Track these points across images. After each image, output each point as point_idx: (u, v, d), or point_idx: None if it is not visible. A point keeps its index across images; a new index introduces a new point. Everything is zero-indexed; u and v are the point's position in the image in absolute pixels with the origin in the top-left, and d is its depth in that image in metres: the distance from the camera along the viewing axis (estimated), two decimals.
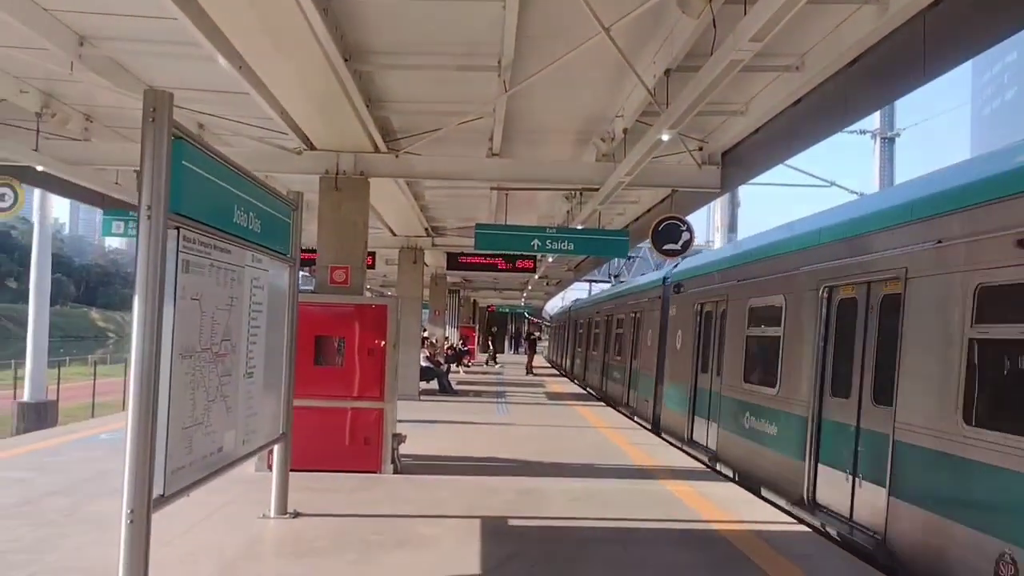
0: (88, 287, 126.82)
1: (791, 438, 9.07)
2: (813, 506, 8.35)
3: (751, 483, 10.00)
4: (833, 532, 7.77)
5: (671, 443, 13.55)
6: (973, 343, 5.99)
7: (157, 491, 4.43)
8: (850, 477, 7.65)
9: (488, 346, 41.74)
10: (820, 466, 8.35)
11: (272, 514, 7.27)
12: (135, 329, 4.29)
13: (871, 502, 7.15)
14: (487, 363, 38.33)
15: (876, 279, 7.60)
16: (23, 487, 8.24)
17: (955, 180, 6.74)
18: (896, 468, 6.72)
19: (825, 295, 8.59)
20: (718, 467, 11.48)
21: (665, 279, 16.67)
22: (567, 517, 7.87)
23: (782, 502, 8.99)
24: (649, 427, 15.92)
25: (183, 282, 4.70)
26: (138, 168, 12.62)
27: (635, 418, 17.66)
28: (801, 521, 8.17)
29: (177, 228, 4.59)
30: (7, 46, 8.21)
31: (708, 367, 12.58)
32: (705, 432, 12.33)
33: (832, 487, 8.03)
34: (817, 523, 8.12)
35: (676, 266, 15.85)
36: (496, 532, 7.15)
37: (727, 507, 8.41)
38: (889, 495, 6.77)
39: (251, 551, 6.33)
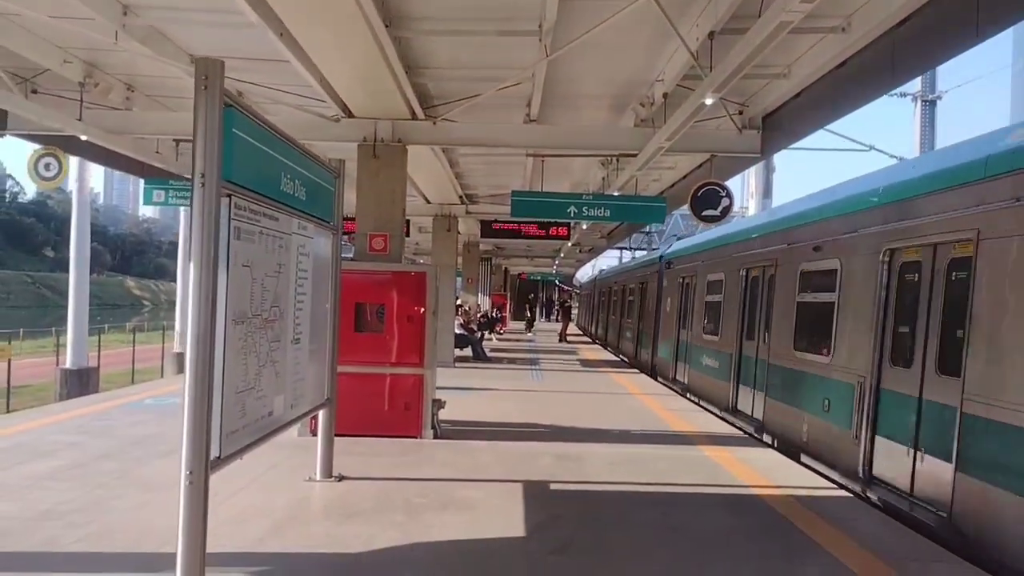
0: (123, 256, 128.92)
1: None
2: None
3: (792, 450, 9.83)
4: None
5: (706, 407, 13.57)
6: None
7: (213, 453, 4.52)
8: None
9: (525, 314, 41.94)
10: (878, 439, 7.97)
11: (318, 477, 7.41)
12: (191, 295, 4.36)
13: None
14: (526, 331, 38.48)
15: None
16: (74, 451, 8.45)
17: None
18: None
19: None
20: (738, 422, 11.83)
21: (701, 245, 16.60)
22: (607, 482, 7.91)
23: (833, 474, 8.70)
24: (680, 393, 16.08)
25: (235, 249, 4.76)
26: (177, 137, 12.82)
27: (659, 379, 18.27)
28: (844, 488, 8.15)
29: (229, 196, 4.63)
30: (54, 16, 8.30)
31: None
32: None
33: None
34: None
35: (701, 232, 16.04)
36: (537, 495, 7.24)
37: (766, 472, 8.42)
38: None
39: (299, 513, 6.46)
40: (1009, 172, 6.25)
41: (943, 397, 6.81)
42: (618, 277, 31.51)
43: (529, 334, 36.96)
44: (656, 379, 18.47)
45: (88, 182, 25.31)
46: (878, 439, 7.90)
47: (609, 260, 53.55)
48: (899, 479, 7.36)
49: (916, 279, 7.59)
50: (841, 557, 5.69)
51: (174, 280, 46.35)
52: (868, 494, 7.97)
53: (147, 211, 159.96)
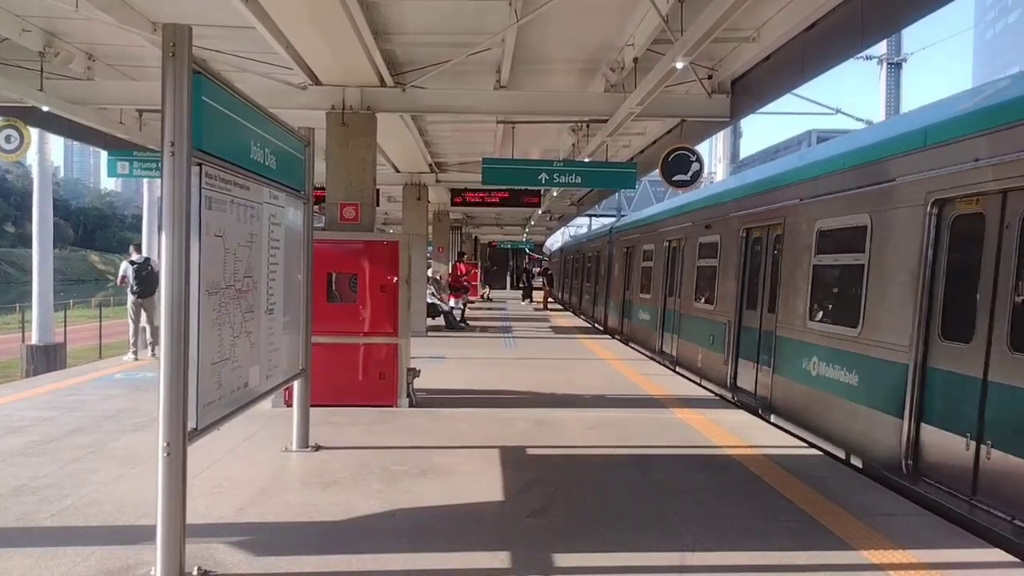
0: (86, 230, 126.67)
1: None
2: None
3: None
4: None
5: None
6: None
7: (190, 424, 4.50)
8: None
9: (518, 283, 42.06)
10: (924, 427, 6.82)
11: (294, 447, 7.42)
12: (163, 266, 4.31)
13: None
14: (522, 300, 38.61)
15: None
16: (46, 426, 8.37)
17: None
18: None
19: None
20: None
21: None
22: (583, 445, 8.00)
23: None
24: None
25: (207, 219, 4.70)
26: (141, 107, 12.56)
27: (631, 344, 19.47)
28: (814, 446, 8.31)
29: (199, 165, 4.57)
30: None
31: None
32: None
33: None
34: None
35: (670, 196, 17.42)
36: (515, 460, 7.30)
37: (738, 432, 8.56)
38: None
39: (278, 483, 6.46)
40: None
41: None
42: (580, 247, 34.66)
43: (524, 303, 36.96)
44: (607, 333, 22.62)
45: (49, 155, 24.73)
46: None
47: (578, 228, 53.78)
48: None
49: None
50: (813, 513, 5.82)
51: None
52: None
53: (109, 184, 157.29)
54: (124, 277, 14.15)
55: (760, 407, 10.20)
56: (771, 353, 9.93)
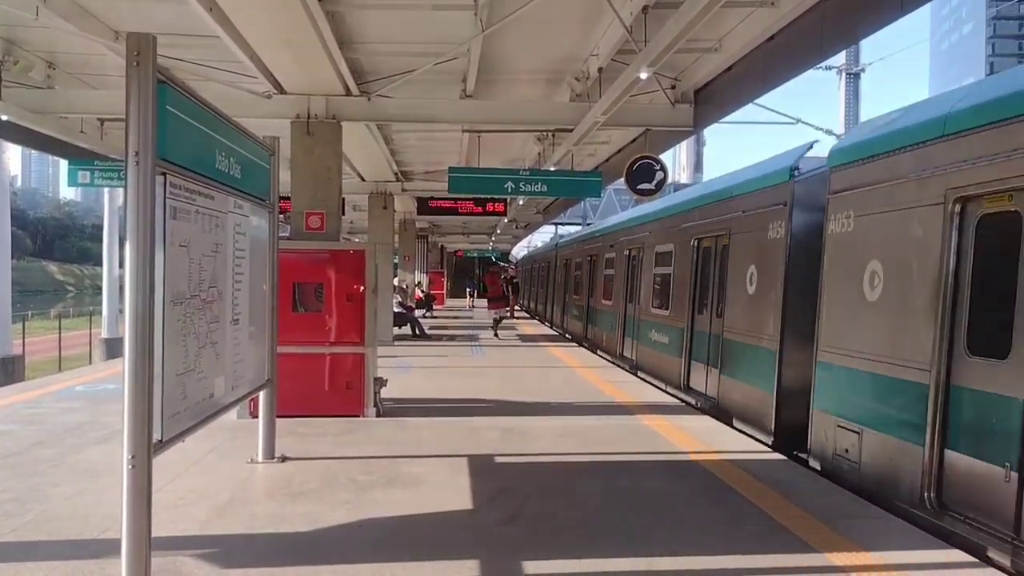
0: (44, 240, 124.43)
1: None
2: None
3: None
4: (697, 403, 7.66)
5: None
6: None
7: (155, 436, 4.45)
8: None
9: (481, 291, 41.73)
10: (948, 453, 6.06)
11: (260, 458, 7.36)
12: (128, 276, 4.27)
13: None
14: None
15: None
16: (6, 439, 8.21)
17: None
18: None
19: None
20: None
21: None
22: (552, 453, 8.03)
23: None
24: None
25: (171, 228, 4.66)
26: (102, 116, 12.40)
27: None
28: (775, 450, 8.42)
29: (164, 174, 4.53)
30: None
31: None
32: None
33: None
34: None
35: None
36: (484, 469, 7.31)
37: (703, 438, 8.65)
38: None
39: (243, 494, 6.40)
40: None
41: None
42: (536, 258, 41.26)
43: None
44: (557, 330, 27.63)
45: (7, 164, 24.28)
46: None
47: (543, 236, 54.23)
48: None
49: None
50: (778, 517, 5.90)
51: (99, 264, 44.94)
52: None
53: (68, 193, 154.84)
54: None
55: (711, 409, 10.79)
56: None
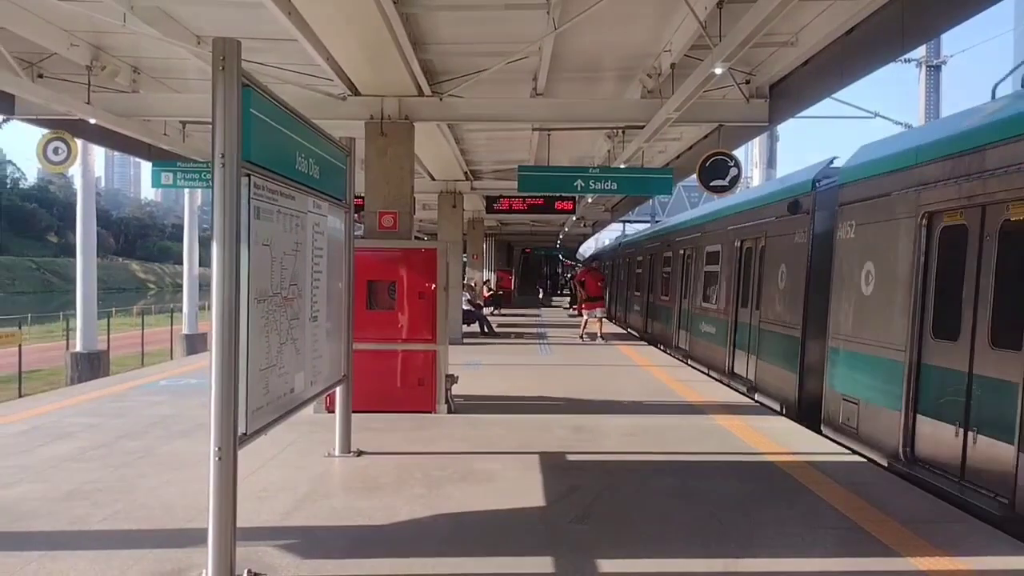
0: (127, 239, 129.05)
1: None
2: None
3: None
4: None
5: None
6: None
7: (240, 429, 4.59)
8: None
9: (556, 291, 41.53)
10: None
11: (337, 453, 7.51)
12: (214, 275, 4.40)
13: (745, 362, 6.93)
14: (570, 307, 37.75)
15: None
16: (95, 432, 8.55)
17: None
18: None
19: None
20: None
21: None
22: (622, 452, 8.00)
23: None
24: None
25: (255, 228, 4.79)
26: (184, 119, 12.79)
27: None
28: (855, 452, 8.23)
29: (248, 175, 4.67)
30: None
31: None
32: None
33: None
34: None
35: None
36: (555, 467, 7.31)
37: (779, 439, 8.50)
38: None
39: (322, 487, 6.55)
40: None
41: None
42: (601, 257, 42.25)
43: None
44: (620, 326, 28.23)
45: (92, 166, 25.26)
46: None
47: (611, 233, 53.80)
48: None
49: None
50: (857, 519, 5.77)
51: (179, 263, 46.36)
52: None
53: (149, 194, 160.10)
54: None
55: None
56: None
